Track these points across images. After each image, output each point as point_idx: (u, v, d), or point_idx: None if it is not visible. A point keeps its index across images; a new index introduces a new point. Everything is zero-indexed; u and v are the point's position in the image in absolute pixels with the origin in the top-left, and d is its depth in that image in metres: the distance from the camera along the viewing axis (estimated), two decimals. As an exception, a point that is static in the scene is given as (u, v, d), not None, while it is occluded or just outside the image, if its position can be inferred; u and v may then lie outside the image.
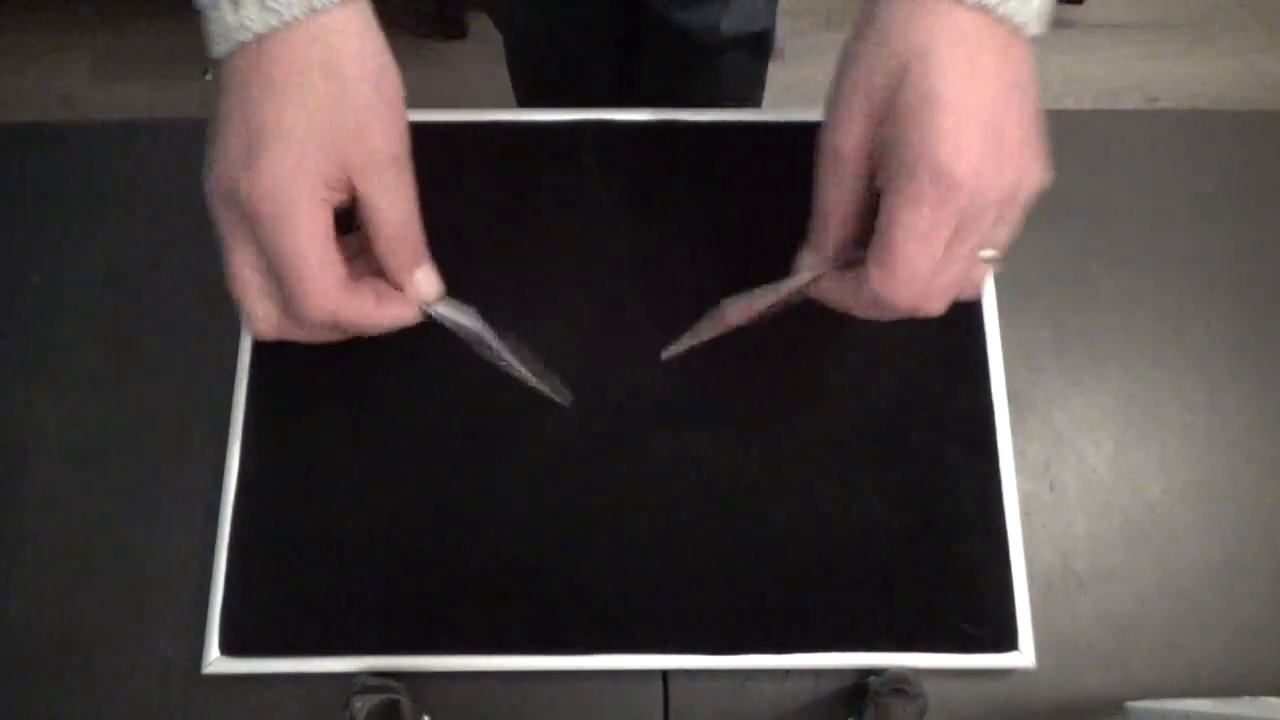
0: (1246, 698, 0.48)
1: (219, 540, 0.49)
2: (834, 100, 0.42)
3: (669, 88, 0.98)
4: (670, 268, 0.54)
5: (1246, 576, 0.51)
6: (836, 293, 0.45)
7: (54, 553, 0.50)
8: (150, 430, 0.52)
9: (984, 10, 0.39)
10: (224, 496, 0.50)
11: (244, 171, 0.39)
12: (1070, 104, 1.46)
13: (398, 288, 0.45)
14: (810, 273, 0.45)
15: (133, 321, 0.54)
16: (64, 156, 0.57)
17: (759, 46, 0.94)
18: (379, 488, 0.50)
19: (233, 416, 0.51)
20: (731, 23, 0.86)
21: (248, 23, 0.39)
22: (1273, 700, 0.47)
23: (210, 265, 0.55)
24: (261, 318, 0.43)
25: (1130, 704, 0.48)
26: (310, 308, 0.41)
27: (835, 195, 0.42)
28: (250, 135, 0.39)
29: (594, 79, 1.02)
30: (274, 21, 0.39)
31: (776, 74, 1.08)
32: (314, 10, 0.39)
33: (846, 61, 0.41)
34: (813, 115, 0.58)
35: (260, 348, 0.52)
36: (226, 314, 0.53)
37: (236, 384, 0.52)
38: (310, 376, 0.52)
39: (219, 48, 0.40)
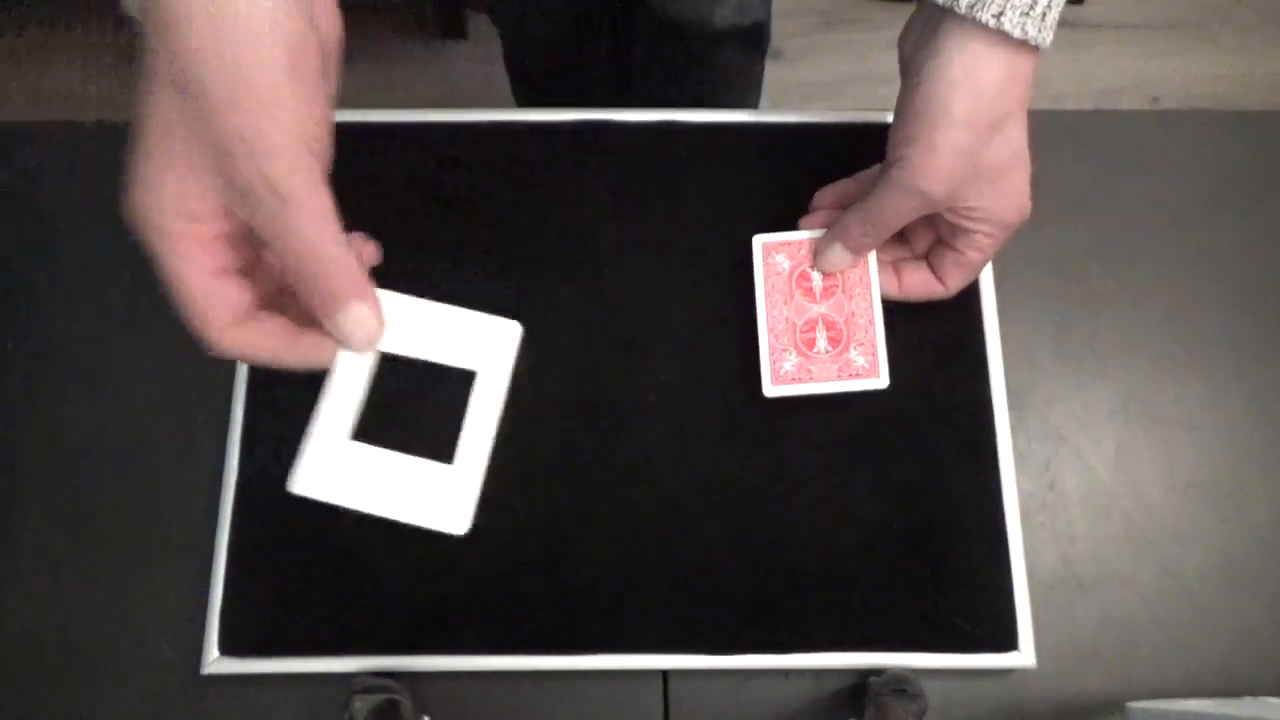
0: (1247, 698, 0.48)
1: (219, 540, 0.49)
2: (929, 146, 0.43)
3: (665, 83, 0.98)
4: (670, 267, 0.54)
5: (1247, 577, 0.51)
6: (892, 283, 0.51)
7: (54, 553, 0.50)
8: (150, 430, 0.52)
9: (1034, 51, 0.43)
10: (224, 496, 0.50)
11: (125, 198, 0.34)
12: (1070, 104, 1.46)
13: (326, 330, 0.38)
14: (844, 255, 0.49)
15: (133, 321, 0.54)
16: (64, 156, 0.57)
17: (753, 39, 0.94)
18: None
19: (232, 416, 0.51)
20: (724, 16, 0.86)
21: None
22: (1273, 700, 0.47)
23: (210, 265, 0.55)
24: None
25: (1130, 704, 0.48)
26: (206, 345, 0.36)
27: (898, 220, 0.47)
28: (130, 147, 0.34)
29: (590, 76, 1.02)
30: None
31: (776, 74, 1.08)
32: None
33: (939, 112, 0.43)
34: (812, 115, 0.58)
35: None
36: (226, 314, 0.53)
37: (236, 384, 0.52)
38: (310, 376, 0.52)
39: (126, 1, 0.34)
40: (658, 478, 0.51)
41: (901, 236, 0.51)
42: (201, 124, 0.32)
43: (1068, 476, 0.53)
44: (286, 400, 0.52)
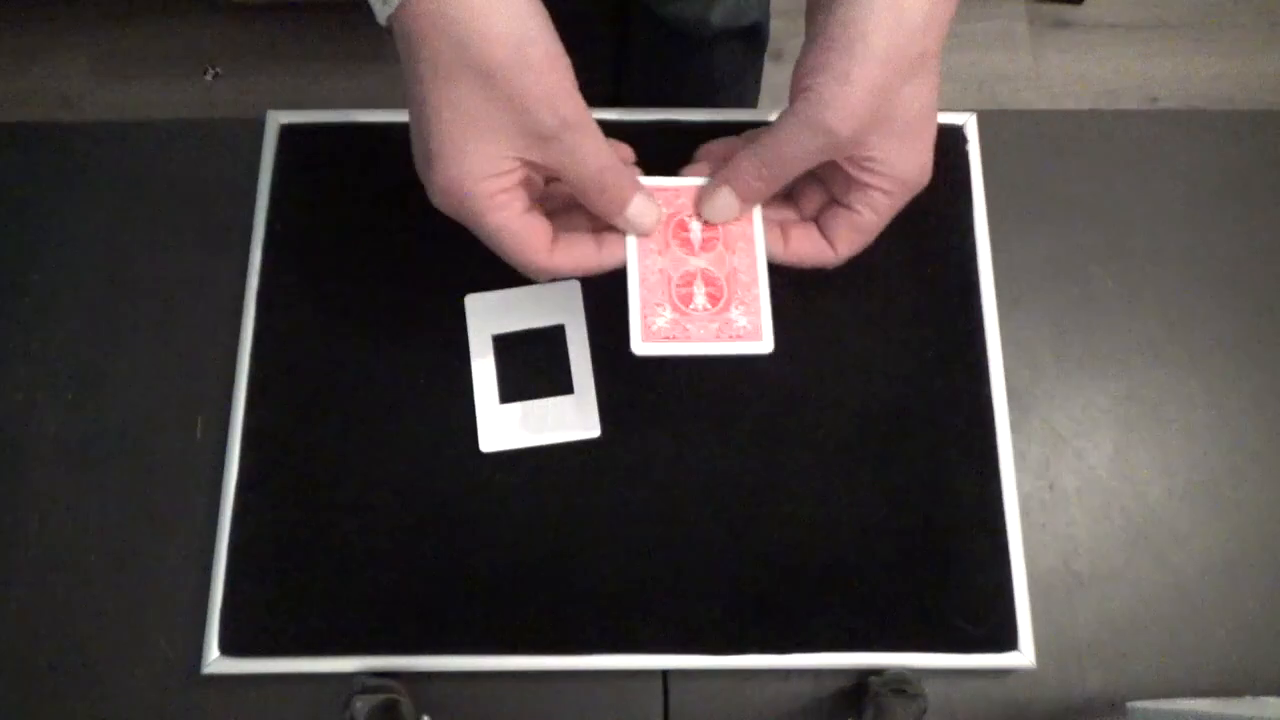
0: (1247, 698, 0.48)
1: (219, 540, 0.49)
2: (842, 76, 0.40)
3: (662, 82, 0.98)
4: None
5: (1247, 576, 0.51)
6: (779, 243, 0.47)
7: (54, 553, 0.50)
8: (150, 430, 0.52)
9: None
10: (224, 496, 0.50)
11: (428, 177, 0.42)
12: (1070, 104, 1.46)
13: (617, 228, 0.45)
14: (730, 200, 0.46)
15: (133, 321, 0.54)
16: (64, 156, 0.57)
17: (751, 40, 0.94)
18: (379, 488, 0.50)
19: (232, 416, 0.51)
20: (722, 15, 0.86)
21: None
22: (1273, 700, 0.47)
23: (210, 266, 0.55)
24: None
25: (1130, 704, 0.48)
26: (532, 272, 0.44)
27: (797, 163, 0.43)
28: (422, 149, 0.41)
29: (587, 77, 1.02)
30: None
31: (775, 74, 1.08)
32: None
33: (855, 38, 0.40)
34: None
35: (260, 348, 0.52)
36: (226, 314, 0.53)
37: (236, 383, 0.52)
38: (310, 376, 0.52)
39: (379, 10, 0.40)
40: (658, 478, 0.51)
41: (789, 196, 0.48)
42: (498, 92, 0.39)
43: (1068, 476, 0.53)
44: (287, 400, 0.52)
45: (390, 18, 0.40)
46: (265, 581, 0.49)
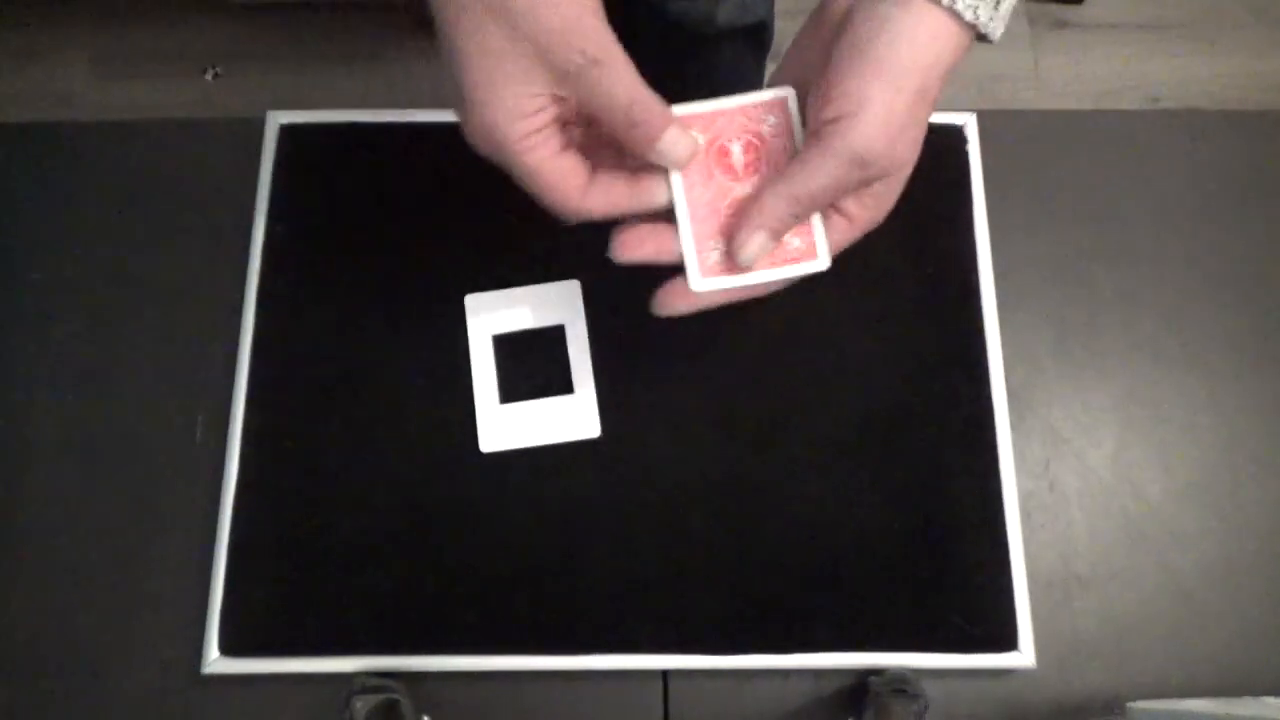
0: (1247, 698, 0.48)
1: (219, 540, 0.49)
2: (883, 107, 0.40)
3: (666, 81, 0.98)
4: (669, 267, 0.54)
5: (1246, 576, 0.51)
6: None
7: (54, 553, 0.50)
8: (150, 430, 0.52)
9: (976, 37, 0.42)
10: (224, 496, 0.50)
11: (465, 123, 0.42)
12: (1070, 104, 1.46)
13: (652, 162, 0.44)
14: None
15: (133, 321, 0.54)
16: (64, 156, 0.57)
17: (756, 39, 0.94)
18: (379, 488, 0.50)
19: (232, 416, 0.51)
20: (727, 14, 0.86)
21: None
22: (1272, 700, 0.47)
23: (210, 266, 0.55)
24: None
25: (1130, 704, 0.48)
26: (566, 215, 0.43)
27: (833, 195, 0.43)
28: (456, 85, 0.41)
29: None
30: None
31: (776, 74, 1.08)
32: None
33: (894, 70, 0.40)
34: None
35: (260, 348, 0.52)
36: (226, 314, 0.53)
37: (236, 383, 0.52)
38: (310, 376, 0.52)
39: None
40: (658, 478, 0.51)
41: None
42: (520, 31, 0.39)
43: (1068, 476, 0.53)
44: (287, 400, 0.52)
45: None
46: (265, 581, 0.49)
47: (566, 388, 0.52)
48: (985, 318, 0.53)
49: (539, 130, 0.41)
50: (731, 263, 0.43)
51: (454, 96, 0.42)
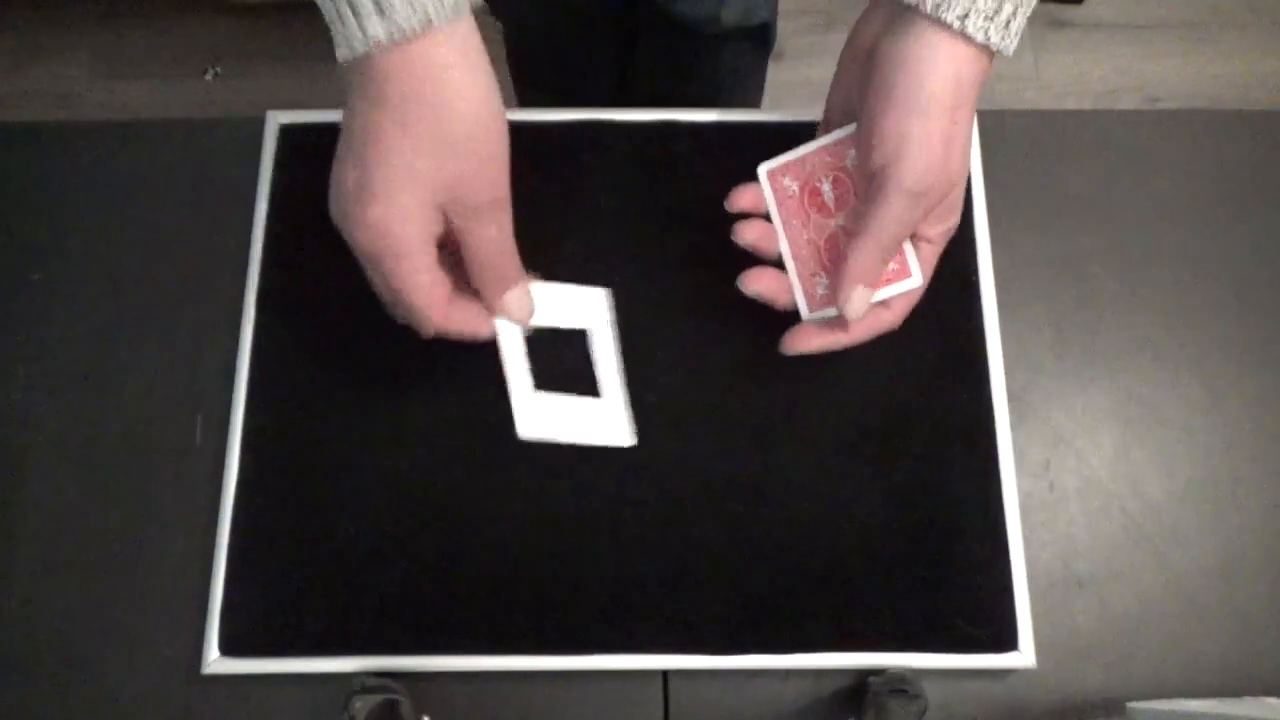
0: (1247, 698, 0.48)
1: (219, 540, 0.49)
2: (939, 139, 0.43)
3: (669, 82, 0.98)
4: (670, 267, 0.54)
5: (1246, 577, 0.51)
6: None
7: (54, 553, 0.50)
8: (150, 430, 0.52)
9: (993, 54, 0.44)
10: (224, 496, 0.50)
11: (354, 216, 0.43)
12: (1070, 104, 1.46)
13: (489, 309, 0.48)
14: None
15: (132, 321, 0.54)
16: (64, 156, 0.57)
17: (759, 39, 0.94)
18: (379, 488, 0.50)
19: (233, 416, 0.51)
20: (731, 14, 0.86)
21: (368, 30, 0.40)
22: (1273, 700, 0.47)
23: (210, 266, 0.55)
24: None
25: (1130, 704, 0.48)
26: (422, 328, 0.46)
27: (909, 230, 0.45)
28: (361, 177, 0.42)
29: (594, 75, 1.02)
30: (392, 31, 0.40)
31: (776, 74, 1.08)
32: (430, 23, 0.40)
33: (930, 104, 0.43)
34: (813, 115, 0.58)
35: (260, 348, 0.52)
36: (226, 314, 0.53)
37: (236, 383, 0.52)
38: (310, 376, 0.52)
39: (341, 53, 0.42)
40: (658, 478, 0.51)
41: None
42: (448, 162, 0.42)
43: (1068, 476, 0.53)
44: (287, 400, 0.52)
45: (359, 57, 0.41)
46: (265, 581, 0.49)
47: (592, 390, 0.52)
48: (985, 318, 0.53)
49: (426, 241, 0.43)
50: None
51: (349, 180, 0.43)
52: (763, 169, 0.50)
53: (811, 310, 0.48)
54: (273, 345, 0.53)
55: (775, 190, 0.50)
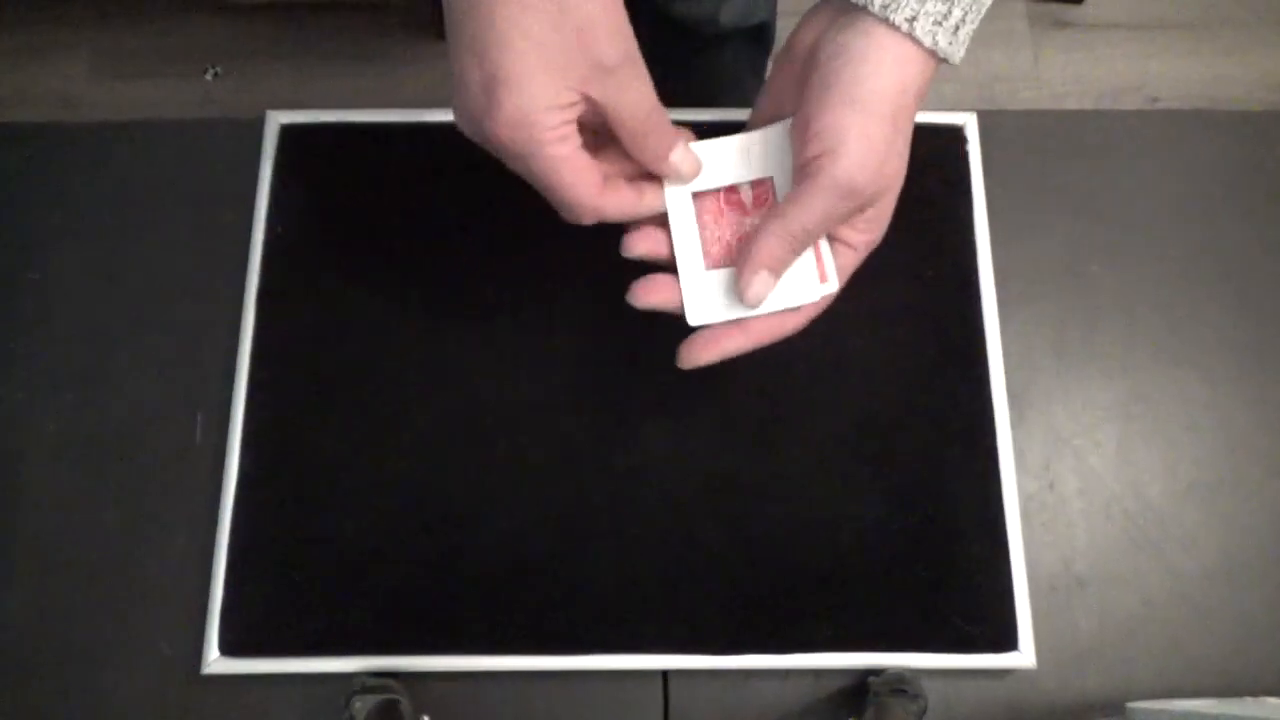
0: (1247, 698, 0.48)
1: (219, 540, 0.49)
2: (864, 137, 0.41)
3: (668, 81, 0.98)
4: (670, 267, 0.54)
5: (1247, 577, 0.51)
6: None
7: (54, 553, 0.50)
8: (150, 430, 0.52)
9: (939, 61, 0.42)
10: (224, 496, 0.50)
11: (485, 116, 0.40)
12: (1070, 104, 1.46)
13: (657, 174, 0.45)
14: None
15: (132, 321, 0.54)
16: (64, 156, 0.57)
17: (758, 39, 0.94)
18: (379, 488, 0.50)
19: (233, 416, 0.51)
20: (731, 14, 0.86)
21: None
22: (1273, 700, 0.47)
23: (210, 266, 0.55)
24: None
25: (1130, 704, 0.48)
26: (576, 217, 0.43)
27: (826, 228, 0.44)
28: (484, 75, 0.40)
29: None
30: None
31: (776, 74, 1.07)
32: None
33: (870, 100, 0.41)
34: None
35: (260, 348, 0.52)
36: (226, 314, 0.53)
37: (236, 383, 0.52)
38: (310, 376, 0.52)
39: None
40: (658, 478, 0.51)
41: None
42: (567, 19, 0.39)
43: (1068, 476, 0.53)
44: (287, 400, 0.52)
45: None
46: (265, 581, 0.49)
47: None
48: (985, 318, 0.53)
49: (569, 123, 0.41)
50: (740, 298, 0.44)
51: (475, 80, 0.40)
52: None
53: (697, 310, 0.45)
54: (273, 345, 0.53)
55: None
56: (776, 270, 0.44)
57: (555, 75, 0.40)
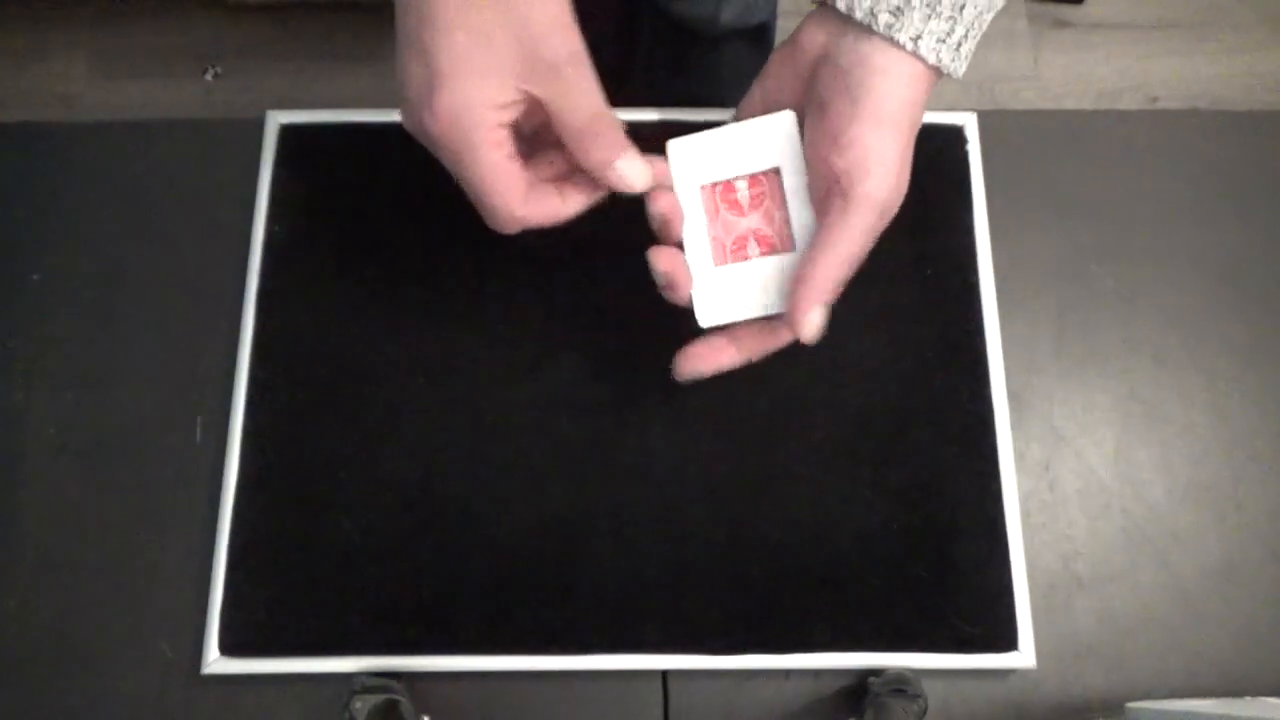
0: (1247, 698, 0.48)
1: (219, 540, 0.49)
2: (896, 154, 0.42)
3: (668, 81, 0.98)
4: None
5: (1247, 577, 0.51)
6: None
7: (54, 553, 0.50)
8: (150, 430, 0.52)
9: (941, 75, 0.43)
10: (224, 496, 0.50)
11: (424, 110, 0.40)
12: (1070, 104, 1.46)
13: (602, 183, 0.44)
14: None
15: (132, 321, 0.54)
16: (64, 156, 0.57)
17: (758, 39, 0.94)
18: (379, 488, 0.50)
19: (232, 416, 0.51)
20: (731, 14, 0.86)
21: None
22: (1273, 700, 0.47)
23: (210, 266, 0.55)
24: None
25: (1130, 704, 0.48)
26: (503, 220, 0.43)
27: (868, 247, 0.44)
28: (427, 68, 0.39)
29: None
30: None
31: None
32: None
33: (894, 116, 0.42)
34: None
35: (260, 348, 0.52)
36: (226, 314, 0.53)
37: (236, 383, 0.52)
38: (310, 376, 0.52)
39: None
40: (658, 478, 0.51)
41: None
42: (512, 16, 0.39)
43: (1068, 476, 0.53)
44: (287, 400, 0.52)
45: None
46: (265, 581, 0.49)
47: (785, 245, 0.45)
48: (985, 318, 0.53)
49: (504, 125, 0.41)
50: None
51: (415, 74, 0.40)
52: (673, 145, 0.46)
53: (712, 314, 0.45)
54: (273, 345, 0.53)
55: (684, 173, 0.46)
56: (831, 300, 0.43)
57: (495, 71, 0.39)
